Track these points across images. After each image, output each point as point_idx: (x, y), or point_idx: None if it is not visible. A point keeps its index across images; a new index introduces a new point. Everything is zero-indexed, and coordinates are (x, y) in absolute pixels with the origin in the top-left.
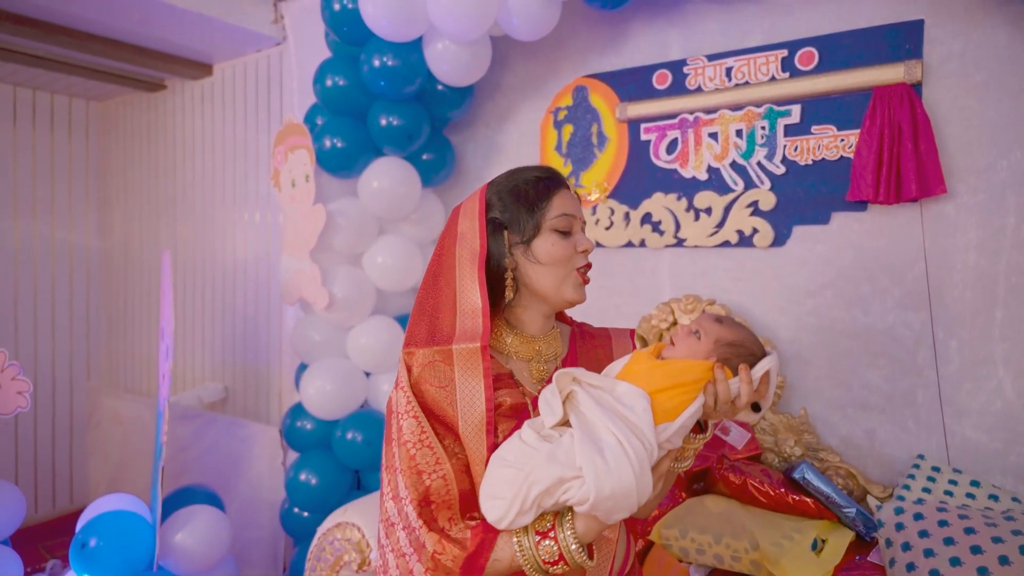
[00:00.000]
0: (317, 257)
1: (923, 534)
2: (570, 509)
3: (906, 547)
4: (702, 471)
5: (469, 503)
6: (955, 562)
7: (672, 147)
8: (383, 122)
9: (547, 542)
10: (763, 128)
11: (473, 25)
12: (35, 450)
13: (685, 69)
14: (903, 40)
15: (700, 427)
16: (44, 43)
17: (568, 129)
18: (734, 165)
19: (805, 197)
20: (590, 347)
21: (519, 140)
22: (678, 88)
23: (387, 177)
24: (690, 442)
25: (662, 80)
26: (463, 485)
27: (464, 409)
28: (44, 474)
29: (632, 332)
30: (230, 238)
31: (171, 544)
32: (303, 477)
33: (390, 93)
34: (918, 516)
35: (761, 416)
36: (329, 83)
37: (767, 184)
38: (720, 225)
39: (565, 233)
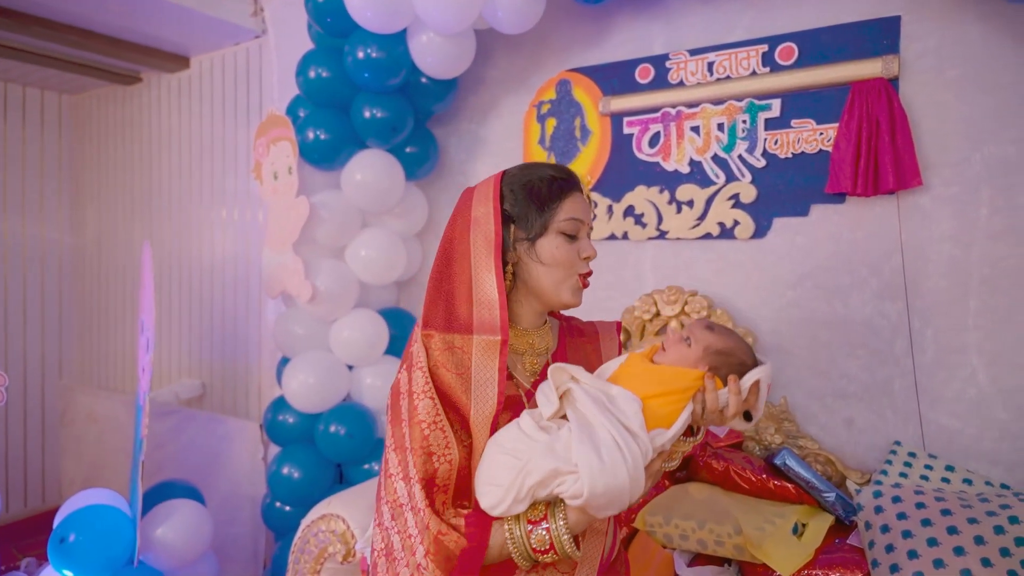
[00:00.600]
0: (300, 250)
1: (901, 516)
2: (563, 500)
3: (885, 529)
4: (686, 459)
5: (461, 492)
6: (932, 543)
7: (655, 140)
8: (367, 114)
9: (539, 531)
10: (744, 122)
11: (458, 17)
12: (6, 449)
13: (667, 63)
14: (880, 36)
15: (691, 430)
16: (17, 34)
17: (551, 123)
18: (716, 158)
19: (785, 190)
20: (579, 343)
21: (503, 134)
22: (660, 82)
23: (371, 170)
24: (679, 445)
25: (645, 74)
26: (463, 473)
27: (478, 399)
28: (16, 473)
29: (618, 325)
30: (208, 234)
31: (152, 539)
32: (285, 471)
33: (374, 85)
34: (896, 499)
35: (752, 426)
36: (312, 75)
37: (748, 177)
38: (702, 217)
39: (571, 237)
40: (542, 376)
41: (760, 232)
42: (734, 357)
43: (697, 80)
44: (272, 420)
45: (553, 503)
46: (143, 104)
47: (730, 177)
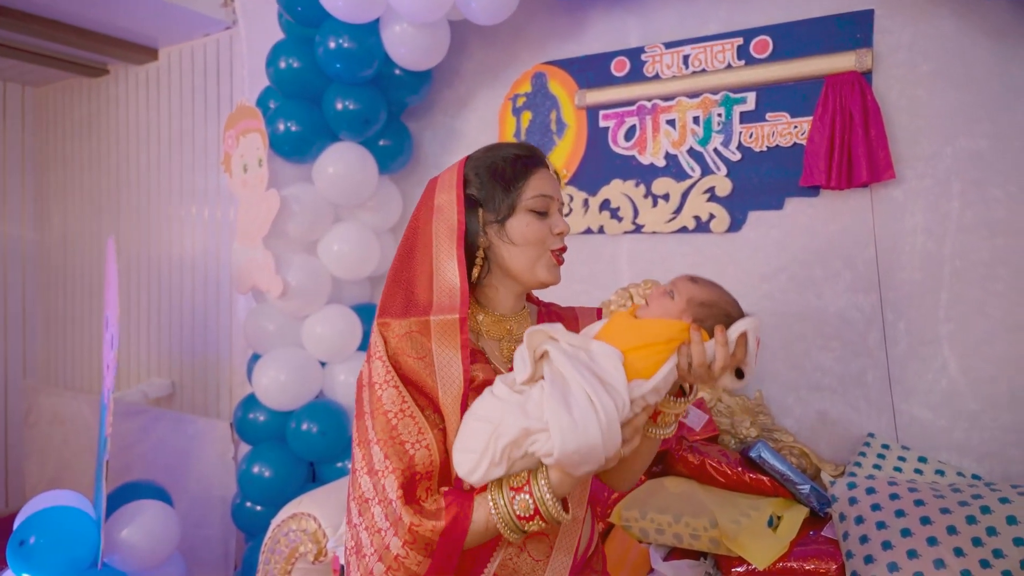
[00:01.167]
0: (270, 244)
1: (875, 507)
2: (544, 465)
3: (859, 520)
4: (662, 453)
5: (443, 476)
6: (906, 533)
7: (630, 134)
8: (339, 106)
9: (522, 495)
10: (719, 115)
11: (431, 7)
12: None
13: (643, 56)
14: (854, 29)
15: (683, 391)
16: None
17: (527, 116)
18: (691, 152)
19: (760, 183)
20: None
21: (478, 127)
22: (636, 75)
23: (343, 163)
24: (671, 406)
25: (620, 67)
26: (442, 456)
27: (443, 381)
28: None
29: (599, 311)
30: (177, 231)
31: (116, 541)
32: (256, 470)
33: (346, 76)
34: (870, 491)
35: (745, 383)
36: (283, 65)
37: (723, 170)
38: (678, 211)
39: (541, 214)
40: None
41: (735, 226)
42: (718, 308)
43: (672, 73)
44: (242, 418)
45: (535, 468)
46: (110, 97)
47: (705, 170)
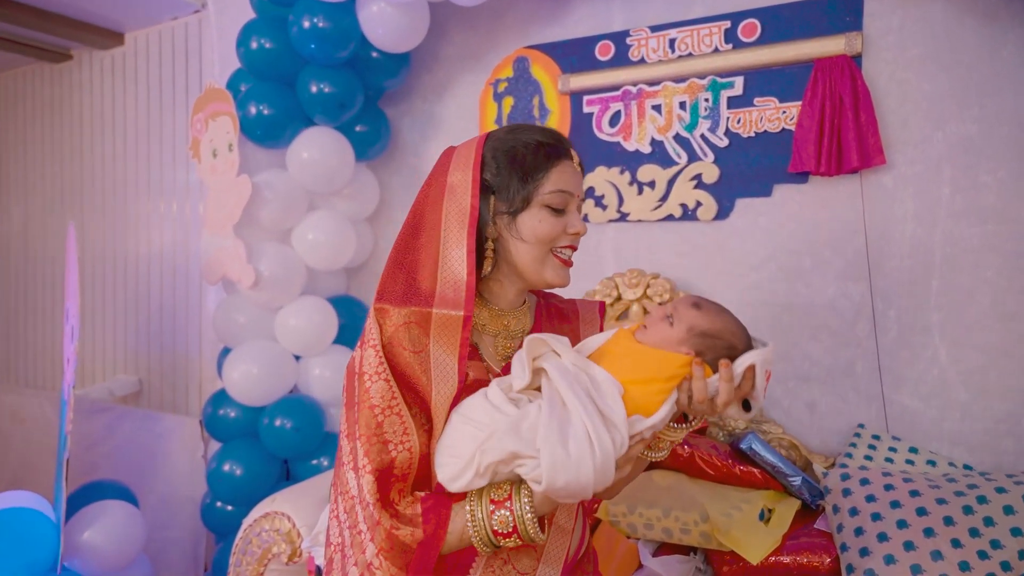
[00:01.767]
0: (242, 233)
1: (870, 499)
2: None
3: (853, 512)
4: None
5: (420, 480)
6: (902, 524)
7: (615, 120)
8: (313, 89)
9: (502, 511)
10: (706, 100)
11: None
12: None
13: (628, 40)
14: (843, 12)
15: (684, 417)
16: None
17: (509, 101)
18: (678, 138)
19: (748, 170)
20: (556, 326)
21: (457, 113)
22: (621, 60)
23: (318, 148)
24: (670, 433)
25: (605, 51)
26: (423, 460)
27: (438, 378)
28: None
29: (602, 307)
30: (144, 222)
31: (77, 543)
32: (227, 468)
33: (321, 58)
34: (864, 481)
35: (752, 416)
36: (255, 46)
37: (710, 157)
38: (664, 199)
39: (557, 211)
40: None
41: (723, 213)
42: (721, 340)
43: (658, 57)
44: (212, 415)
45: (518, 482)
46: (73, 83)
47: (692, 157)
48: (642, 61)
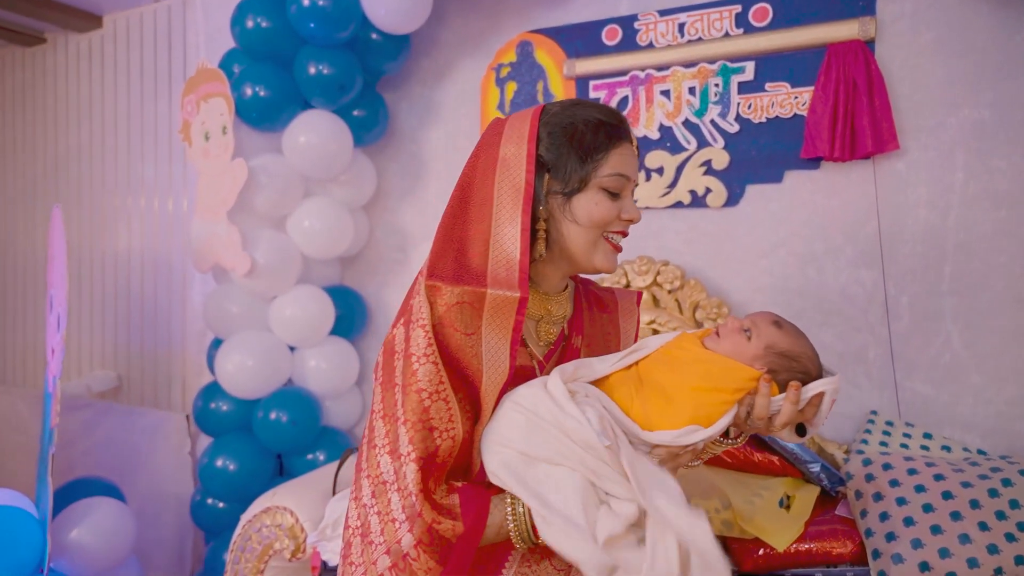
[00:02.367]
0: (235, 219)
1: (894, 483)
2: None
3: (878, 497)
4: None
5: (456, 469)
6: (928, 508)
7: (622, 105)
8: (312, 70)
9: None
10: (717, 85)
11: None
12: None
13: (636, 24)
14: None
15: (727, 432)
16: None
17: (511, 87)
18: (687, 123)
19: (758, 156)
20: (596, 315)
21: (457, 99)
22: (629, 44)
23: (315, 132)
24: (713, 447)
25: (612, 36)
26: (463, 449)
27: (489, 363)
28: None
29: (639, 296)
30: (122, 213)
31: (65, 542)
32: (220, 463)
33: (321, 38)
34: (887, 467)
35: (805, 440)
36: (250, 24)
37: (720, 143)
38: (672, 185)
39: (614, 195)
40: (556, 346)
41: (733, 200)
42: (798, 364)
43: (667, 42)
44: (203, 408)
45: None
46: (47, 68)
47: (702, 143)
48: (650, 46)
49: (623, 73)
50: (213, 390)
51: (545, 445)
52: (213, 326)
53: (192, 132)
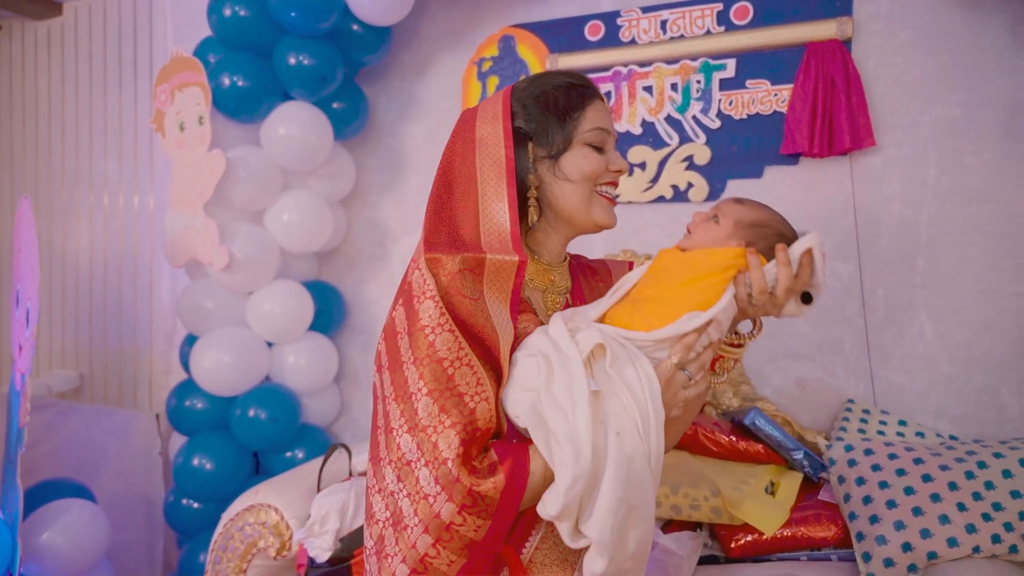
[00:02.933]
0: (211, 212)
1: (876, 468)
2: None
3: (860, 482)
4: None
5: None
6: (909, 491)
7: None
8: (292, 61)
9: None
10: (698, 82)
11: None
12: None
13: (618, 21)
14: None
15: (737, 333)
16: None
17: (494, 81)
18: (669, 119)
19: (739, 151)
20: (592, 283)
21: (439, 93)
22: (611, 40)
23: (295, 124)
24: (730, 351)
25: (594, 31)
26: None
27: (500, 327)
28: None
29: (631, 265)
30: (84, 208)
31: (35, 546)
32: (196, 462)
33: (302, 27)
34: (868, 452)
35: (812, 309)
36: (228, 13)
37: (702, 138)
38: (655, 180)
39: (598, 148)
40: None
41: (714, 194)
42: (770, 228)
43: (650, 39)
44: (177, 406)
45: None
46: (2, 58)
47: (684, 138)
48: (633, 42)
49: (606, 69)
50: (187, 388)
51: (559, 383)
52: (188, 322)
53: (166, 122)
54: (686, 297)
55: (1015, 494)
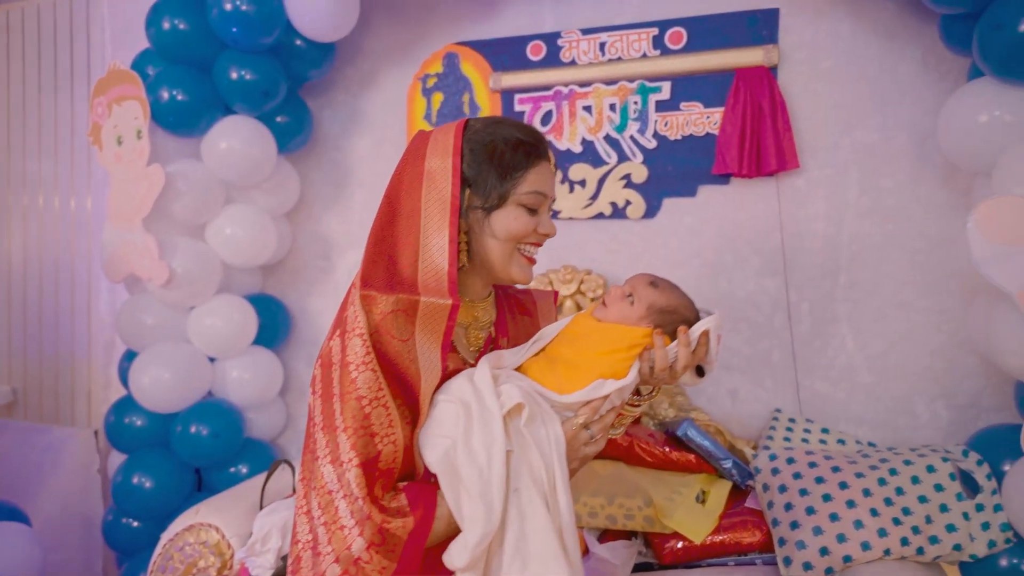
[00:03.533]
0: (151, 227)
1: (797, 476)
2: None
3: (782, 489)
4: None
5: (406, 467)
6: (827, 498)
7: (547, 119)
8: (233, 75)
9: None
10: (636, 103)
11: None
12: None
13: (559, 41)
14: (762, 26)
15: (638, 391)
16: None
17: (438, 97)
18: (608, 138)
19: (674, 171)
20: (518, 317)
21: (383, 107)
22: (552, 60)
23: (237, 138)
24: (630, 409)
25: (536, 51)
26: (406, 454)
27: (425, 367)
28: None
29: (556, 295)
30: (16, 216)
31: None
32: (135, 480)
33: (243, 43)
34: (790, 460)
35: (705, 380)
36: (167, 26)
37: (639, 157)
38: (595, 197)
39: (532, 211)
40: (484, 349)
41: (651, 212)
42: (677, 314)
43: (589, 60)
44: (116, 423)
45: None
46: None
47: (622, 157)
48: (573, 63)
49: (547, 88)
50: (126, 404)
51: (477, 438)
52: (127, 338)
53: (103, 135)
54: (597, 366)
55: (922, 499)
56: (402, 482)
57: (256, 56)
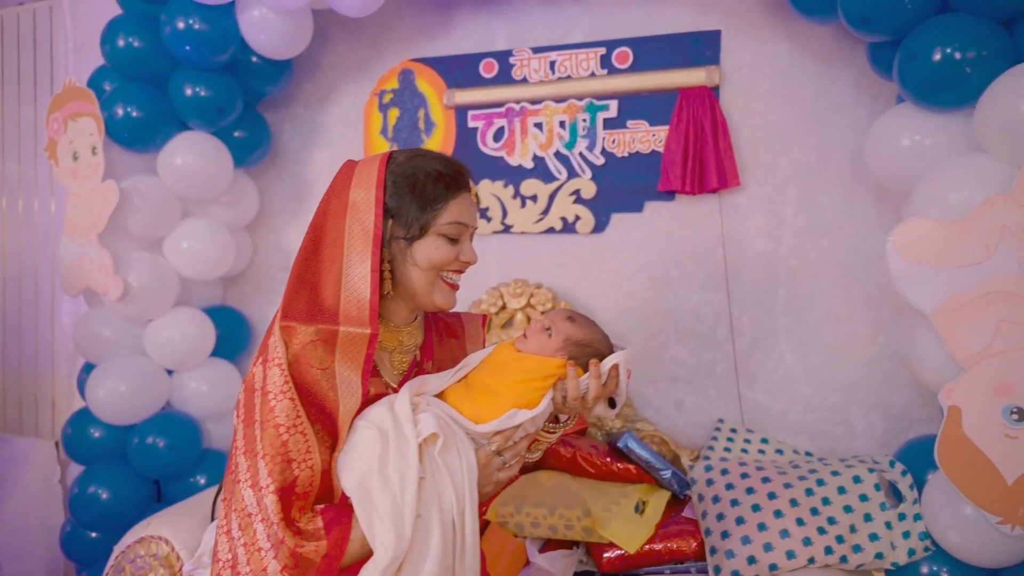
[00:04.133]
0: (107, 241)
1: (729, 487)
2: None
3: (715, 500)
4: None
5: (325, 489)
6: (756, 508)
7: (499, 135)
8: (188, 92)
9: None
10: (584, 120)
11: None
12: None
13: (511, 59)
14: (704, 47)
15: (557, 419)
16: None
17: (394, 113)
18: (558, 155)
19: (622, 187)
20: (445, 340)
21: (341, 122)
22: (504, 78)
23: (193, 153)
24: (546, 436)
25: (489, 69)
26: (325, 477)
27: (344, 394)
28: None
29: (484, 319)
30: None
31: None
32: (91, 491)
33: (197, 61)
34: (724, 471)
35: (615, 413)
36: (121, 43)
37: (588, 174)
38: (545, 212)
39: (453, 240)
40: (408, 373)
41: (599, 227)
42: (591, 348)
43: (540, 78)
44: (73, 435)
45: None
46: None
47: (572, 173)
48: (524, 80)
49: (500, 105)
50: (84, 416)
51: (393, 465)
52: (84, 351)
53: (59, 151)
54: (512, 395)
55: (847, 509)
56: (320, 504)
57: (211, 73)
